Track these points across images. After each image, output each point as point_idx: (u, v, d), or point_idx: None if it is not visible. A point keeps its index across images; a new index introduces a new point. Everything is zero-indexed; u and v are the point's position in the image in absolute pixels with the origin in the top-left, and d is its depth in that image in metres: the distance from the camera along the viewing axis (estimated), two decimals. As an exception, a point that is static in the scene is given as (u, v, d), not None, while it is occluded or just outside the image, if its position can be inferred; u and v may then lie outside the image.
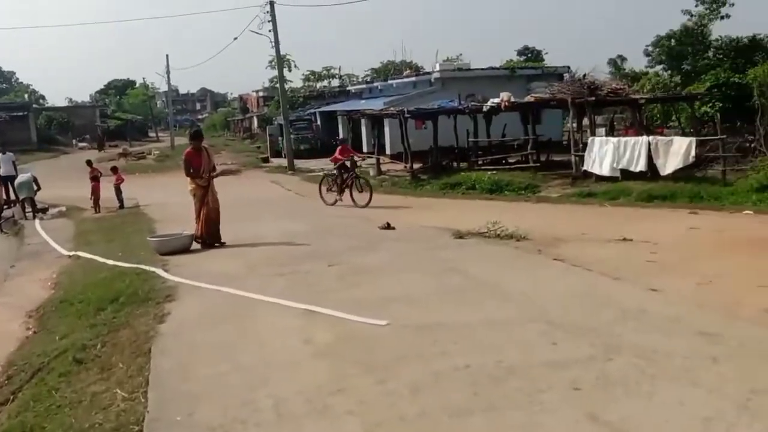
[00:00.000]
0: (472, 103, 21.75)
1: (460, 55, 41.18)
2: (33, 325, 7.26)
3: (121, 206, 16.72)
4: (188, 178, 10.35)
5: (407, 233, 10.60)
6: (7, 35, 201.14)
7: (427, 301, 6.34)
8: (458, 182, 17.74)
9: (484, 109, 20.65)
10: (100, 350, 5.52)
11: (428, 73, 31.25)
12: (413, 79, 32.16)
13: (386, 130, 25.93)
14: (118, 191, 16.94)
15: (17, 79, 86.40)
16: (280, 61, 30.85)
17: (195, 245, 10.13)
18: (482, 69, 30.34)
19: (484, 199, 15.72)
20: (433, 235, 10.14)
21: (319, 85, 50.54)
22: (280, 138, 32.81)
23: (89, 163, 17.88)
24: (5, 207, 17.11)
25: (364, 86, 39.32)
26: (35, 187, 16.78)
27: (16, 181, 16.90)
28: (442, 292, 6.66)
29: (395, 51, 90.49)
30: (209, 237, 10.20)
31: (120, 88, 78.76)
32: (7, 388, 5.44)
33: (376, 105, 27.51)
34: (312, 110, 39.39)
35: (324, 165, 26.14)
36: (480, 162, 20.15)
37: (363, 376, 4.44)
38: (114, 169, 17.92)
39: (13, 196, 17.49)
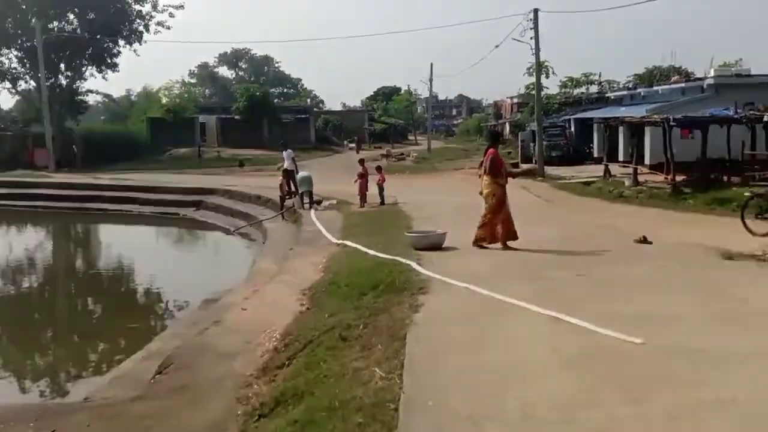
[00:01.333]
0: (751, 112, 19.21)
1: (739, 60, 36.42)
2: (306, 302, 8.25)
3: (382, 203, 18.06)
4: (487, 179, 10.09)
5: (666, 249, 9.75)
6: (299, 46, 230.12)
7: (689, 324, 5.78)
8: (728, 198, 15.73)
9: (766, 118, 18.08)
10: (362, 331, 6.07)
11: (700, 79, 28.38)
12: (682, 85, 29.41)
13: (646, 138, 24.09)
14: (381, 189, 18.34)
15: (302, 85, 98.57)
16: (539, 68, 30.51)
17: (446, 243, 10.51)
18: (764, 75, 26.60)
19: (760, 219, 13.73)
20: (697, 254, 9.19)
21: (576, 91, 48.84)
22: (531, 144, 32.50)
23: (362, 161, 19.64)
24: (287, 197, 19.62)
25: (624, 93, 37.03)
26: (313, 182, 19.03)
27: (299, 176, 19.29)
28: (707, 316, 6.02)
29: (663, 56, 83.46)
30: (507, 237, 10.04)
31: (387, 95, 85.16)
32: (285, 353, 6.28)
33: (637, 112, 25.72)
34: (566, 117, 38.29)
35: (576, 173, 25.37)
36: (756, 177, 17.65)
37: (614, 394, 4.23)
38: (378, 169, 19.44)
39: (293, 188, 20.03)
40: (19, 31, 38.69)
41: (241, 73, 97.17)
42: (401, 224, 13.59)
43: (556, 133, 34.15)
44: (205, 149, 43.27)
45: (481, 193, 10.34)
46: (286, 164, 20.63)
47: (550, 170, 27.46)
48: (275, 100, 64.64)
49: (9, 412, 5.33)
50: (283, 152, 21.30)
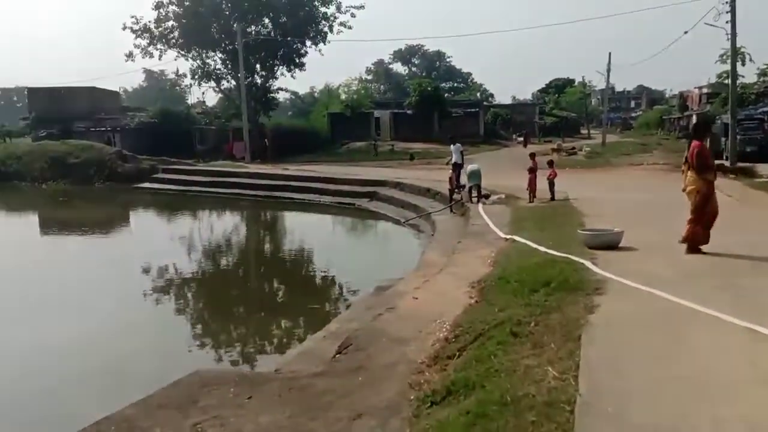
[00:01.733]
0: None
1: None
2: (475, 295, 8.30)
3: (552, 198, 17.56)
4: (691, 174, 9.53)
5: None
6: (470, 40, 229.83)
7: None
8: None
9: None
10: (533, 328, 6.00)
11: None
12: None
13: None
14: (551, 184, 17.83)
15: (473, 79, 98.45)
16: (734, 55, 27.67)
17: (623, 243, 9.99)
18: None
19: None
20: None
21: (776, 80, 43.55)
22: (722, 138, 29.54)
23: (532, 155, 19.26)
24: (455, 191, 19.81)
25: None
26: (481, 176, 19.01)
27: (467, 169, 19.38)
28: None
29: None
30: (705, 238, 9.36)
31: (559, 87, 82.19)
32: (455, 344, 6.39)
33: None
34: (765, 109, 34.24)
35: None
36: None
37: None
38: (550, 163, 18.91)
39: (461, 182, 20.19)
40: (223, 35, 42.98)
41: (414, 69, 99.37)
42: (573, 221, 13.13)
43: (752, 126, 30.70)
44: (379, 143, 44.96)
45: (684, 190, 9.68)
46: (455, 158, 20.90)
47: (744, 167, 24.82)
48: (446, 95, 65.20)
49: (212, 377, 6.03)
50: (452, 146, 21.55)
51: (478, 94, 74.46)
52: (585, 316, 6.07)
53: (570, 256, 9.03)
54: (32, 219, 27.62)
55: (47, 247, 19.90)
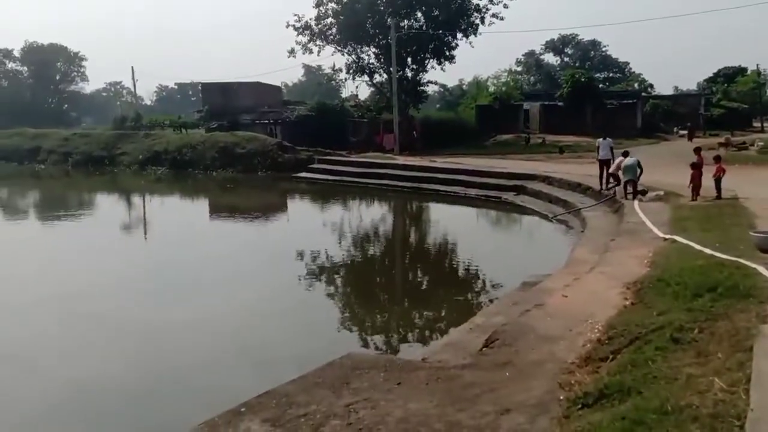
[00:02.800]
0: None
1: None
2: (630, 297, 7.91)
3: (719, 197, 16.17)
4: None
5: None
6: (628, 28, 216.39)
7: None
8: None
9: None
10: (696, 335, 5.62)
11: None
12: None
13: None
14: (718, 181, 16.41)
15: (630, 68, 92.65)
16: None
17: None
18: None
19: None
20: None
21: None
22: None
23: (697, 150, 17.81)
24: (609, 186, 18.87)
25: None
26: (638, 171, 17.91)
27: (624, 164, 18.34)
28: None
29: None
30: None
31: (729, 76, 74.89)
32: (608, 346, 6.15)
33: None
34: None
35: None
36: None
37: None
38: (716, 159, 17.38)
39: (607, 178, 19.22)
40: (377, 30, 44.19)
41: (566, 59, 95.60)
42: (742, 222, 12.06)
43: None
44: (530, 136, 43.87)
45: None
46: (602, 154, 19.93)
47: None
48: (600, 85, 62.07)
49: (363, 360, 6.31)
50: (599, 140, 20.57)
51: (636, 85, 69.82)
52: (757, 325, 5.57)
53: (740, 259, 8.32)
54: (203, 204, 30.38)
55: (214, 231, 21.78)
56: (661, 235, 11.82)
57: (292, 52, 46.13)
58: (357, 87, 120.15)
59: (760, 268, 7.79)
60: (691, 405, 4.14)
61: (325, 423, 4.79)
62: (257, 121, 45.56)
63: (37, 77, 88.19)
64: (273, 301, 11.86)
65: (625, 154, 19.50)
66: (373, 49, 45.34)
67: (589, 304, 7.76)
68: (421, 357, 6.47)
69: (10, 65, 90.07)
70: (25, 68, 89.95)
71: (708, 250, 9.31)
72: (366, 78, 46.82)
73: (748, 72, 72.45)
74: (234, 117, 45.53)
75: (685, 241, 10.48)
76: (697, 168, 16.89)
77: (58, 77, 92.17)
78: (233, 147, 38.71)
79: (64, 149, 47.04)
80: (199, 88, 61.77)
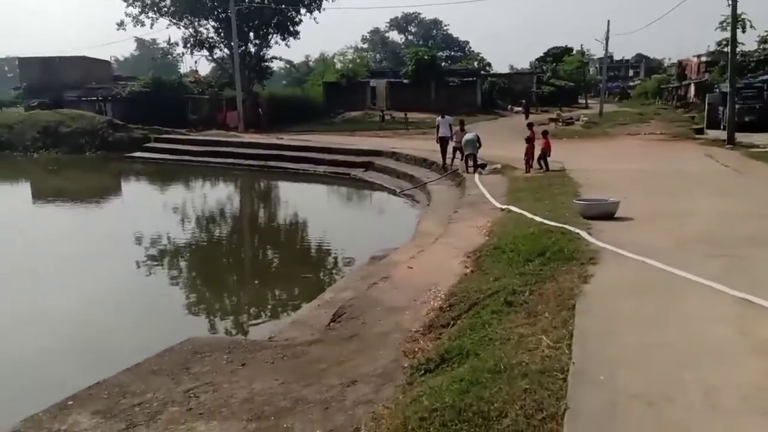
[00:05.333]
0: None
1: None
2: (470, 265, 8.30)
3: (546, 169, 17.50)
4: None
5: None
6: (467, 8, 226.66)
7: None
8: None
9: None
10: (527, 297, 5.99)
11: None
12: None
13: None
14: (544, 155, 17.74)
15: (470, 48, 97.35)
16: (734, 21, 27.21)
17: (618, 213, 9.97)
18: None
19: None
20: None
21: (778, 47, 43.12)
22: (720, 108, 29.37)
23: (530, 125, 19.04)
24: (455, 159, 19.61)
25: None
26: (477, 145, 18.85)
27: (464, 139, 19.19)
28: None
29: None
30: None
31: (557, 56, 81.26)
32: (449, 313, 6.39)
33: None
34: (765, 77, 33.97)
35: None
36: None
37: (817, 389, 3.79)
38: (544, 134, 18.75)
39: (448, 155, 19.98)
40: (215, 3, 42.23)
41: (410, 37, 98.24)
42: (569, 191, 13.10)
43: (751, 95, 30.48)
44: (384, 113, 43.79)
45: None
46: (441, 131, 20.19)
47: (741, 137, 24.74)
48: (442, 64, 64.52)
49: (204, 344, 6.02)
50: (438, 118, 20.81)
51: (476, 63, 73.44)
52: (579, 285, 6.06)
53: (565, 225, 9.01)
54: (24, 188, 27.43)
55: (38, 216, 19.77)
56: (499, 205, 12.51)
57: (121, 24, 42.95)
58: (196, 62, 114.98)
59: (582, 233, 8.50)
60: (521, 363, 4.39)
61: (162, 410, 4.50)
62: (84, 98, 41.87)
63: None
64: (110, 289, 10.98)
65: (442, 113, 20.52)
66: (212, 23, 43.46)
67: (433, 274, 8.02)
68: (268, 336, 6.30)
69: None
70: None
71: (538, 218, 9.98)
72: (206, 53, 44.89)
73: (574, 52, 79.07)
74: (57, 94, 41.52)
75: (519, 211, 11.16)
76: (530, 142, 18.11)
77: None
78: (57, 126, 35.24)
79: None
80: (16, 63, 55.39)
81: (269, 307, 10.45)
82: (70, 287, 11.01)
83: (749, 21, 38.25)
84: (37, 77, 44.19)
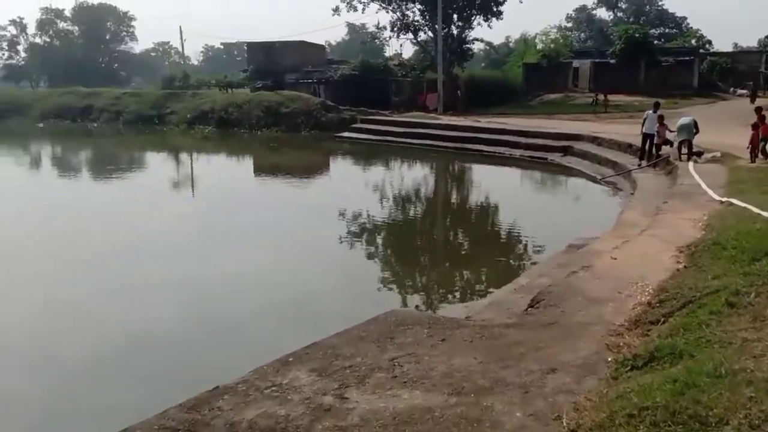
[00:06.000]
0: None
1: None
2: (683, 260, 7.66)
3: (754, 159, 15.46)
4: None
5: None
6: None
7: None
8: None
9: None
10: (753, 299, 5.39)
11: None
12: None
13: None
14: (766, 141, 15.65)
15: (687, 24, 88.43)
16: None
17: None
18: None
19: None
20: None
21: None
22: None
23: (758, 110, 16.94)
24: (650, 162, 18.02)
25: None
26: (694, 131, 17.21)
27: (678, 123, 17.61)
28: None
29: None
30: None
31: (795, 30, 70.83)
32: (659, 309, 5.98)
33: None
34: None
35: None
36: None
37: None
38: (762, 118, 16.48)
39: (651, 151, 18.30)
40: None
41: (620, 14, 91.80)
42: (805, 185, 11.49)
43: None
44: (597, 97, 41.05)
45: None
46: (646, 126, 18.18)
47: None
48: (655, 42, 59.46)
49: (406, 317, 6.31)
50: (647, 111, 18.73)
51: (693, 41, 66.52)
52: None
53: (802, 223, 7.94)
54: (248, 163, 30.72)
55: (259, 189, 22.04)
56: (717, 197, 11.40)
57: (336, 10, 45.71)
58: (401, 45, 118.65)
59: (824, 232, 7.43)
60: (745, 369, 3.99)
61: (370, 375, 4.82)
62: (301, 81, 45.53)
63: (88, 37, 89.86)
64: (315, 259, 11.97)
65: (656, 106, 18.66)
66: (419, 6, 44.44)
67: (640, 267, 7.55)
68: (465, 315, 6.43)
69: (62, 25, 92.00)
70: (77, 28, 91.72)
71: (766, 214, 8.91)
72: (410, 36, 46.13)
73: (815, 27, 68.25)
74: (278, 76, 45.59)
75: (742, 204, 10.06)
76: (756, 129, 16.14)
77: (108, 37, 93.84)
78: (278, 106, 38.86)
79: (116, 108, 48.03)
80: (245, 47, 61.91)
81: (461, 288, 10.64)
82: (284, 255, 12.17)
83: None
84: (262, 61, 48.96)
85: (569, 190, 20.44)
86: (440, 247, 13.98)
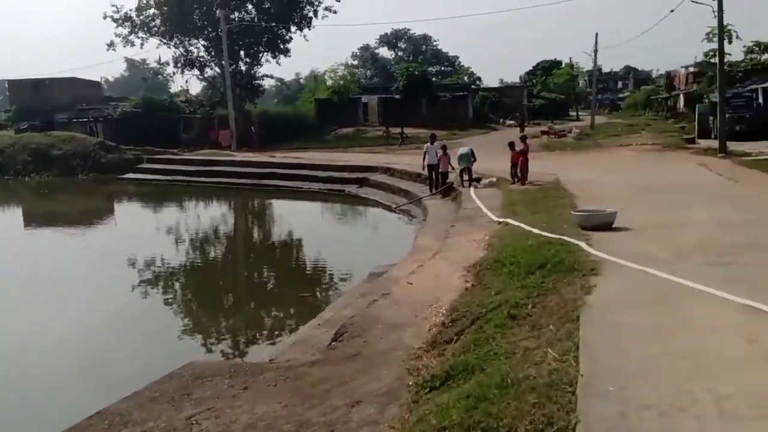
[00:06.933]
0: None
1: None
2: (470, 279, 8.24)
3: (524, 181, 17.50)
4: None
5: None
6: (457, 24, 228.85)
7: None
8: None
9: None
10: (530, 310, 5.94)
11: None
12: None
13: None
14: (521, 165, 17.81)
15: (459, 62, 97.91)
16: (722, 32, 27.51)
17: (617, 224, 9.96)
18: None
19: None
20: None
21: (764, 57, 43.67)
22: (710, 117, 29.61)
23: (523, 138, 19.07)
24: (439, 189, 19.47)
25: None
26: (472, 159, 18.88)
27: (458, 153, 19.21)
28: None
29: None
30: None
31: (546, 69, 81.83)
32: (452, 329, 6.33)
33: None
34: (753, 86, 34.35)
35: (765, 149, 22.73)
36: None
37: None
38: (522, 138, 18.71)
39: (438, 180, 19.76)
40: (205, 22, 42.43)
41: (400, 53, 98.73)
42: (565, 203, 13.09)
43: (740, 104, 30.83)
44: (401, 134, 41.91)
45: None
46: (428, 159, 19.46)
47: (733, 146, 24.90)
48: (433, 79, 64.81)
49: (205, 368, 5.93)
50: (426, 145, 20.05)
51: (466, 78, 73.75)
52: (582, 296, 6.01)
53: (564, 237, 8.97)
54: (16, 213, 27.25)
55: (31, 241, 19.62)
56: (496, 219, 12.49)
57: (111, 45, 43.07)
58: (187, 82, 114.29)
59: (582, 244, 8.46)
60: (528, 377, 4.32)
61: (163, 440, 4.40)
62: (75, 120, 41.91)
63: None
64: (106, 314, 10.85)
65: (432, 138, 20.22)
66: (203, 42, 43.66)
67: (434, 290, 7.96)
68: (269, 358, 6.22)
69: None
70: None
71: (537, 230, 9.94)
72: (196, 72, 45.09)
73: (563, 65, 79.69)
74: (48, 115, 41.50)
75: (516, 224, 11.12)
76: (524, 154, 18.15)
77: None
78: (48, 148, 35.22)
79: None
80: (6, 85, 55.44)
81: (268, 327, 10.35)
82: (66, 314, 10.86)
83: (735, 32, 38.60)
84: (27, 99, 44.28)
85: (368, 220, 21.14)
86: (244, 288, 13.55)
